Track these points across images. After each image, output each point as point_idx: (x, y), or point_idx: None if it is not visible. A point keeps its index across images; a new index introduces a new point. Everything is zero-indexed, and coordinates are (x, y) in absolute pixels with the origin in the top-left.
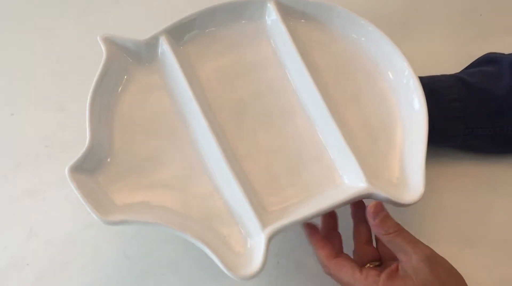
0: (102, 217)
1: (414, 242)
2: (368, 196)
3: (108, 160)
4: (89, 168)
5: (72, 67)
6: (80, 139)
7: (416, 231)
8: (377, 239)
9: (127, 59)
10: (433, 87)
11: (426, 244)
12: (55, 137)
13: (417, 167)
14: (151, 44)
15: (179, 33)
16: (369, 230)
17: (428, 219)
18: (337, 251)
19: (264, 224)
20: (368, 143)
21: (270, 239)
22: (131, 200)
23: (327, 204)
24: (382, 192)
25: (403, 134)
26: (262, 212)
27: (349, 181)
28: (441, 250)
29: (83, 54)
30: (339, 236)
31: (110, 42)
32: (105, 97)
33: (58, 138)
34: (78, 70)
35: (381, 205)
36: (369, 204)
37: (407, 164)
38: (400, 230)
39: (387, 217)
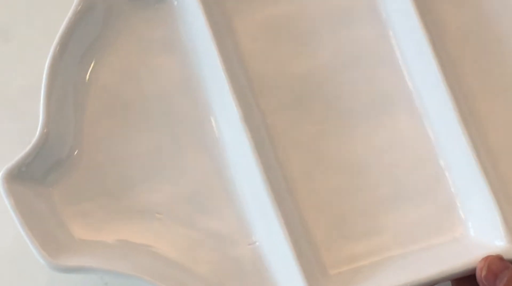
0: (50, 260)
1: None
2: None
3: (70, 164)
4: (37, 175)
5: None
6: (32, 94)
7: None
8: None
9: None
10: None
11: None
12: None
13: None
14: None
15: None
16: None
17: None
18: None
19: None
20: None
21: None
22: (100, 233)
23: (437, 272)
24: None
25: None
26: (317, 275)
27: (477, 234)
28: None
29: None
30: None
31: None
32: (76, 59)
33: None
34: None
35: (501, 261)
36: (480, 261)
37: None
38: None
39: (500, 259)
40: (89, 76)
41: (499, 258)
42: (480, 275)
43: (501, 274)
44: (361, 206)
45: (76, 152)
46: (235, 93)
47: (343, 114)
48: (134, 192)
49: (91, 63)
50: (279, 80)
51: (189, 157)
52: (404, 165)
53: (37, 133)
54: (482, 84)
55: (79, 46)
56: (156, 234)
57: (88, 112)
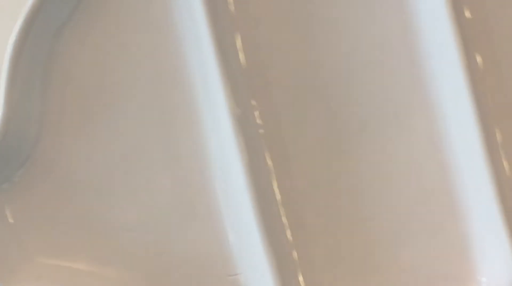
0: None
1: None
2: None
3: (32, 165)
4: None
5: None
6: None
7: None
8: None
9: None
10: None
11: None
12: None
13: None
14: None
15: None
16: None
17: None
18: None
19: None
20: None
21: None
22: (62, 255)
23: None
24: None
25: None
26: None
27: (490, 282)
28: None
29: None
30: None
31: None
32: (48, 33)
33: None
34: None
35: None
36: None
37: None
38: None
39: None
40: (62, 56)
41: None
42: None
43: None
44: (359, 240)
45: (38, 152)
46: (229, 89)
47: (348, 124)
48: (103, 203)
49: (67, 40)
50: (278, 72)
51: (167, 169)
52: (415, 194)
53: None
54: None
55: (53, 19)
56: (125, 255)
57: (56, 102)
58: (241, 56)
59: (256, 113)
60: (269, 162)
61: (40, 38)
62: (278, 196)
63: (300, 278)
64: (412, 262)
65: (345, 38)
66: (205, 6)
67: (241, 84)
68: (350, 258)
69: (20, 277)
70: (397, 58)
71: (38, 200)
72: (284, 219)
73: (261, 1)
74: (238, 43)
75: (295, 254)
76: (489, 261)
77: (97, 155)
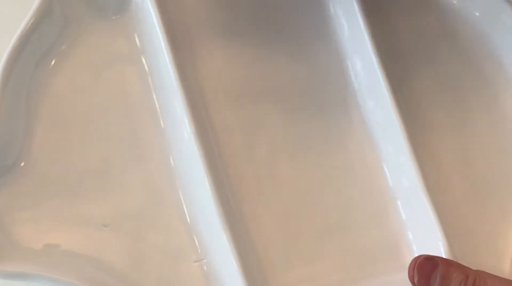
0: None
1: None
2: None
3: (17, 170)
4: None
5: None
6: None
7: None
8: None
9: (78, 6)
10: None
11: None
12: None
13: None
14: None
15: None
16: None
17: None
18: None
19: None
20: (468, 203)
21: None
22: (45, 241)
23: None
24: None
25: None
26: None
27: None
28: None
29: None
30: None
31: None
32: (30, 66)
33: None
34: None
35: (429, 261)
36: (409, 269)
37: None
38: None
39: (428, 259)
40: (43, 83)
41: (427, 259)
42: (413, 281)
43: (433, 274)
44: (309, 230)
45: (23, 159)
46: (189, 110)
47: (297, 138)
48: (81, 202)
49: (47, 70)
50: (234, 99)
51: (139, 171)
52: (354, 191)
53: None
54: (437, 116)
55: (35, 53)
56: (102, 245)
57: (39, 120)
58: (199, 80)
59: (212, 127)
60: (227, 171)
61: (24, 67)
62: (238, 195)
63: (257, 260)
64: (355, 246)
65: (287, 69)
66: (168, 44)
67: (199, 103)
68: (303, 245)
69: (8, 258)
70: (332, 85)
71: (24, 197)
72: (242, 212)
73: (213, 37)
74: (196, 69)
75: (251, 239)
76: (421, 242)
77: (76, 162)
